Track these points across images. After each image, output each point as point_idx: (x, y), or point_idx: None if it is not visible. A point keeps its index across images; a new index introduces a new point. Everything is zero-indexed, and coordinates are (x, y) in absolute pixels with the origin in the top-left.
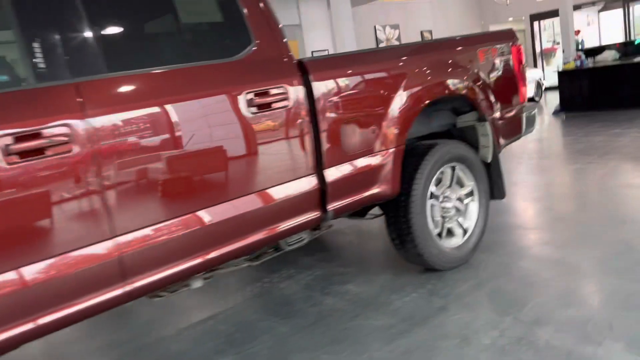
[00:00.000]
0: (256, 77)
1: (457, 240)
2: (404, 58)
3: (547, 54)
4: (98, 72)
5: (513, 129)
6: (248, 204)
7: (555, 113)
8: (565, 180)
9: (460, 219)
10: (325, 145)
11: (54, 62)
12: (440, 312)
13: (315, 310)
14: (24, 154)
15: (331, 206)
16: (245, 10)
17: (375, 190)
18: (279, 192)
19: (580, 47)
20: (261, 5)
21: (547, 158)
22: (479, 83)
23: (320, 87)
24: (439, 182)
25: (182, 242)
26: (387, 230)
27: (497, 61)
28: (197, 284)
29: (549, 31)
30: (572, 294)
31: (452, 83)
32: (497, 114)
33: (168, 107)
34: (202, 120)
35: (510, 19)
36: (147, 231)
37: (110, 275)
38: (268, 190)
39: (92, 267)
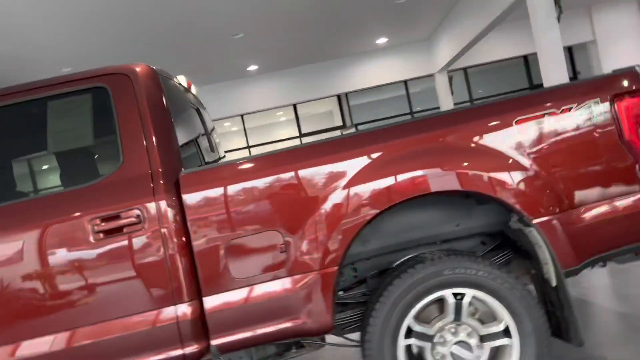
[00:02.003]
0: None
1: None
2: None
3: None
4: None
5: (619, 234)
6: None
7: None
8: None
9: None
10: (202, 269)
11: None
12: None
13: None
14: None
15: (216, 340)
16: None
17: (291, 323)
18: (139, 322)
19: None
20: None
21: None
22: (508, 170)
23: (197, 201)
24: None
25: None
26: None
27: (571, 128)
28: None
29: None
30: None
31: (438, 177)
32: (571, 214)
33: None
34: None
35: None
36: None
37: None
38: (123, 319)
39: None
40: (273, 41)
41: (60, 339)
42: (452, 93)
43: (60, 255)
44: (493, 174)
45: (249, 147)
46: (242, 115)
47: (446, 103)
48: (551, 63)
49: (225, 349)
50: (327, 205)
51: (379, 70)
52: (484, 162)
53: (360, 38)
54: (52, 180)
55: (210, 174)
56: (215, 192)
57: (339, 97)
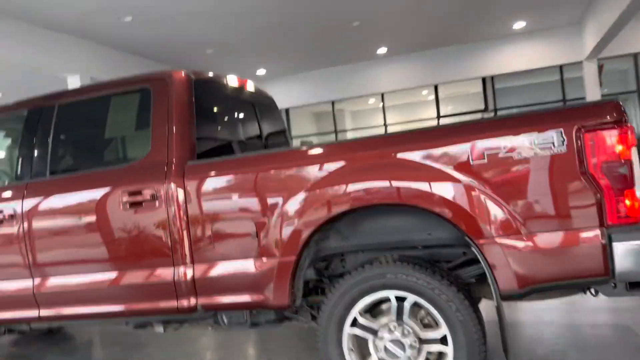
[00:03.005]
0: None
1: None
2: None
3: None
4: None
5: (570, 266)
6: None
7: None
8: None
9: None
10: (194, 243)
11: None
12: None
13: None
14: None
15: (202, 300)
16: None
17: (256, 297)
18: (147, 275)
19: None
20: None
21: None
22: (454, 190)
23: (194, 187)
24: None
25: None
26: None
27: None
28: (158, 328)
29: None
30: None
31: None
32: (517, 239)
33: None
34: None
35: None
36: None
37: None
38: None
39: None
40: (409, 24)
41: (95, 276)
42: (600, 84)
43: (102, 216)
44: (439, 193)
45: (385, 125)
46: (382, 94)
47: (593, 94)
48: None
49: (209, 308)
50: (291, 205)
51: (522, 55)
52: (431, 180)
53: (494, 22)
54: (106, 158)
55: (206, 166)
56: (209, 181)
57: (483, 79)
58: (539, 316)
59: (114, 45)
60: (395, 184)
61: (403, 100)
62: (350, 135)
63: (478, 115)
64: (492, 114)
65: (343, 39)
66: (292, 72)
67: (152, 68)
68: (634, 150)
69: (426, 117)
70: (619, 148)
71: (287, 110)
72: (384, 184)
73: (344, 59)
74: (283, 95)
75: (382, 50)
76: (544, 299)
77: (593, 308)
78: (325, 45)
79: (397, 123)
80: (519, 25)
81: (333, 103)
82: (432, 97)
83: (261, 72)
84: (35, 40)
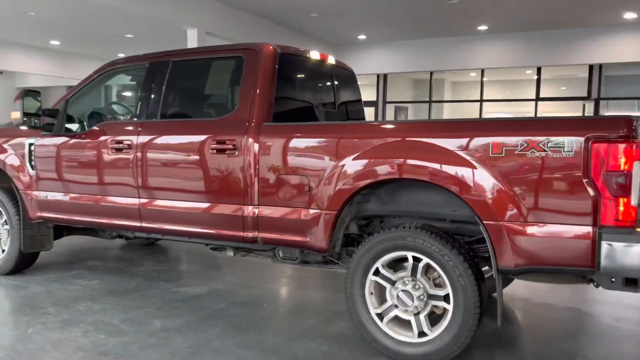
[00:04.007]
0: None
1: (409, 335)
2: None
3: None
4: None
5: (562, 255)
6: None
7: None
8: None
9: (422, 318)
10: (260, 187)
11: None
12: None
13: None
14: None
15: (261, 235)
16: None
17: (302, 238)
18: (225, 208)
19: None
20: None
21: None
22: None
23: (267, 144)
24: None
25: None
26: None
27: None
28: (229, 252)
29: None
30: None
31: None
32: (520, 225)
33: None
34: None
35: None
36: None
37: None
38: (216, 205)
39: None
40: (510, 5)
41: (183, 202)
42: None
43: (195, 156)
44: (459, 176)
45: (481, 100)
46: (482, 70)
47: None
48: None
49: (266, 241)
50: (338, 169)
51: (632, 45)
52: (455, 165)
53: (603, 10)
54: (204, 110)
55: (278, 128)
56: (279, 140)
57: (590, 66)
58: (560, 301)
59: (228, 3)
60: (422, 163)
61: (505, 76)
62: (446, 106)
63: (579, 103)
64: (592, 103)
65: (443, 13)
66: (391, 39)
67: (261, 25)
68: (636, 164)
69: (523, 98)
70: (622, 160)
71: (385, 76)
72: (417, 162)
73: (444, 31)
74: (381, 61)
75: (482, 27)
76: (540, 282)
77: (613, 302)
78: (425, 16)
79: (493, 100)
80: (630, 15)
81: (431, 73)
82: (536, 77)
83: (362, 37)
84: None
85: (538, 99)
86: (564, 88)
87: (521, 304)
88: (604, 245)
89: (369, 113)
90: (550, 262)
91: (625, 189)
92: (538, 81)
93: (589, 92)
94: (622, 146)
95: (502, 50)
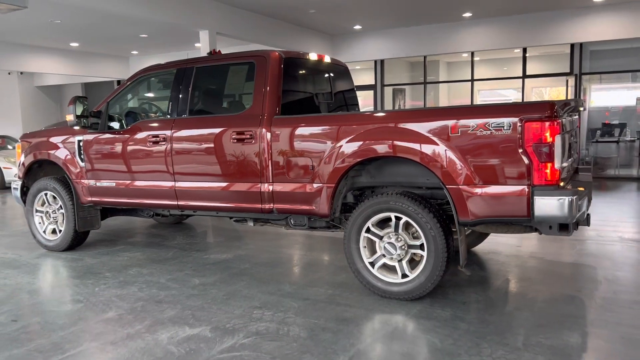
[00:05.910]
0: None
1: (395, 278)
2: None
3: None
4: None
5: (505, 208)
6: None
7: None
8: None
9: (404, 264)
10: (274, 168)
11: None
12: None
13: None
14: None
15: (276, 206)
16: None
17: (309, 207)
18: (245, 186)
19: None
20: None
21: None
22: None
23: (277, 132)
24: (385, 224)
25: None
26: None
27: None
28: (250, 223)
29: None
30: None
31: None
32: (473, 187)
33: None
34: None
35: None
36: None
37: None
38: (237, 183)
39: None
40: None
41: (211, 183)
42: None
43: (219, 145)
44: (426, 152)
45: (472, 79)
46: (472, 52)
47: None
48: None
49: (280, 211)
50: (334, 151)
51: (608, 24)
52: (422, 143)
53: None
54: (224, 107)
55: (286, 120)
56: (287, 130)
57: (572, 45)
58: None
59: (236, 4)
60: (400, 143)
61: (495, 55)
62: (441, 86)
63: (563, 78)
64: (573, 78)
65: (428, 3)
66: (384, 27)
67: (265, 23)
68: (557, 137)
69: (511, 76)
70: (546, 134)
71: (382, 62)
72: (398, 143)
73: (433, 18)
74: (377, 48)
75: (467, 14)
76: (497, 232)
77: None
78: (413, 6)
79: (484, 79)
80: None
81: (425, 57)
82: (522, 55)
83: (357, 27)
84: (175, 1)
85: (525, 76)
86: (549, 64)
87: (493, 256)
88: (536, 199)
89: (368, 96)
90: (498, 215)
91: (550, 156)
92: (524, 59)
93: (572, 68)
94: (547, 124)
95: (488, 33)
